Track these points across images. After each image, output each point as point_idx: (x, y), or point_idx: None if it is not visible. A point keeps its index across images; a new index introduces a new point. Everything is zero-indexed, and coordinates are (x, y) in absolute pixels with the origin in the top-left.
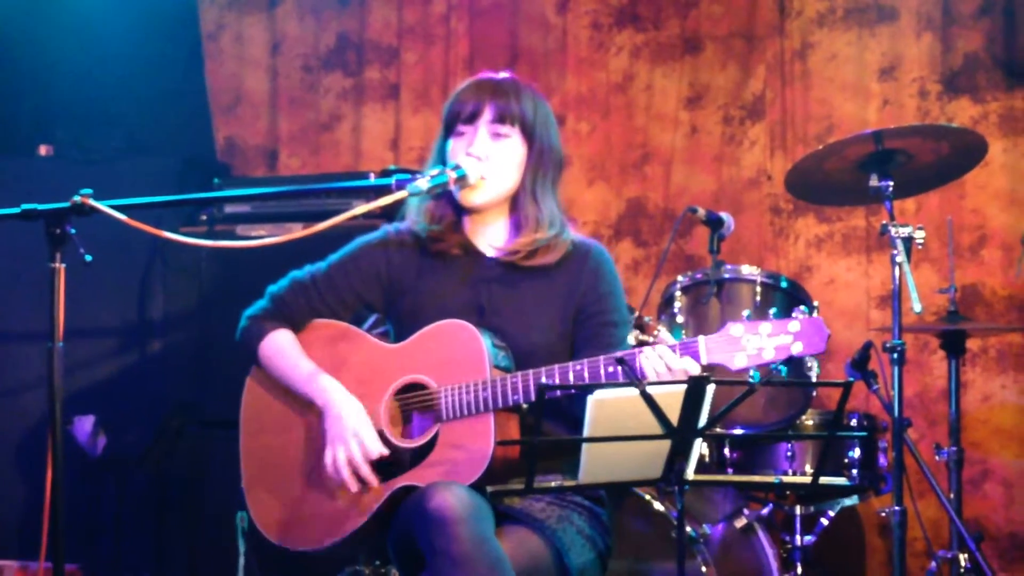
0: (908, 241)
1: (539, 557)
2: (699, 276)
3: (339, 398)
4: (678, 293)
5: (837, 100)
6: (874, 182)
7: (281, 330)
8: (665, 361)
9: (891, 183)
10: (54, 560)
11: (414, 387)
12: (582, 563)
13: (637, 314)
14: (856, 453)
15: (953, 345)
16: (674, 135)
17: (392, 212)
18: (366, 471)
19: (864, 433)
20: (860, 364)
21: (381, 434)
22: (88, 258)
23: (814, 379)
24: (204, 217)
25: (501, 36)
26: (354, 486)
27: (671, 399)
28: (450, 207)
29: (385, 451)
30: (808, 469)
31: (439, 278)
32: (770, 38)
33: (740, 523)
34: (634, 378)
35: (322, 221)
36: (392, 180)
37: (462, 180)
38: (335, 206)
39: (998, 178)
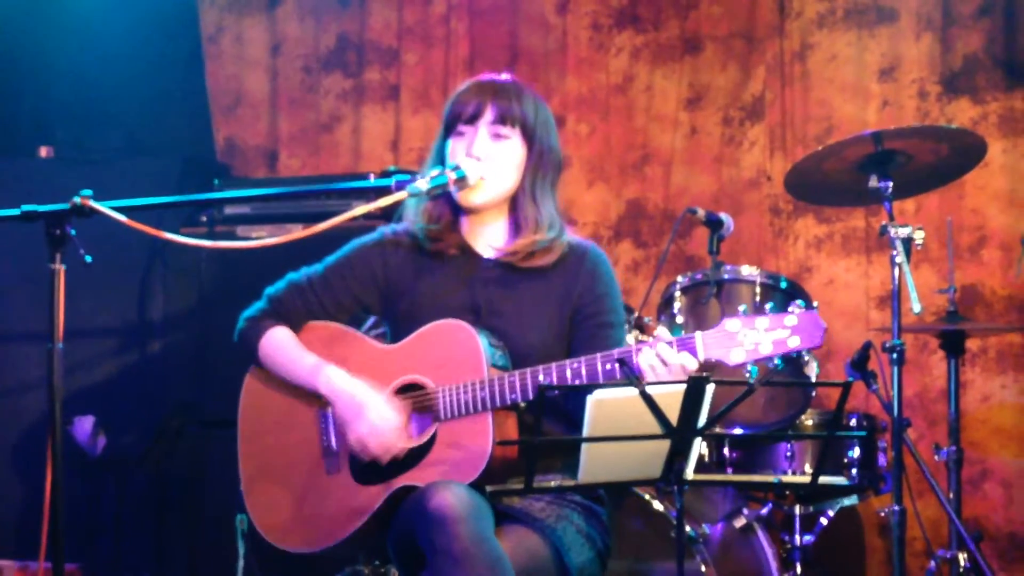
0: (908, 242)
1: (539, 556)
2: (699, 277)
3: (345, 383)
4: (678, 294)
5: (837, 101)
6: (874, 183)
7: (279, 327)
8: (662, 357)
9: (891, 184)
10: (54, 560)
11: (412, 387)
12: (581, 562)
13: (637, 315)
14: (856, 453)
15: (952, 345)
16: (674, 136)
17: (392, 213)
18: (394, 438)
19: (863, 433)
20: (859, 364)
21: None
22: (88, 259)
23: (814, 379)
24: (204, 218)
25: (501, 37)
26: (393, 450)
27: (670, 399)
28: (448, 207)
29: (401, 415)
30: (808, 469)
31: (436, 278)
32: (770, 39)
33: (739, 523)
34: (633, 378)
35: (322, 222)
36: (392, 181)
37: (462, 181)
38: (335, 207)
39: (998, 179)
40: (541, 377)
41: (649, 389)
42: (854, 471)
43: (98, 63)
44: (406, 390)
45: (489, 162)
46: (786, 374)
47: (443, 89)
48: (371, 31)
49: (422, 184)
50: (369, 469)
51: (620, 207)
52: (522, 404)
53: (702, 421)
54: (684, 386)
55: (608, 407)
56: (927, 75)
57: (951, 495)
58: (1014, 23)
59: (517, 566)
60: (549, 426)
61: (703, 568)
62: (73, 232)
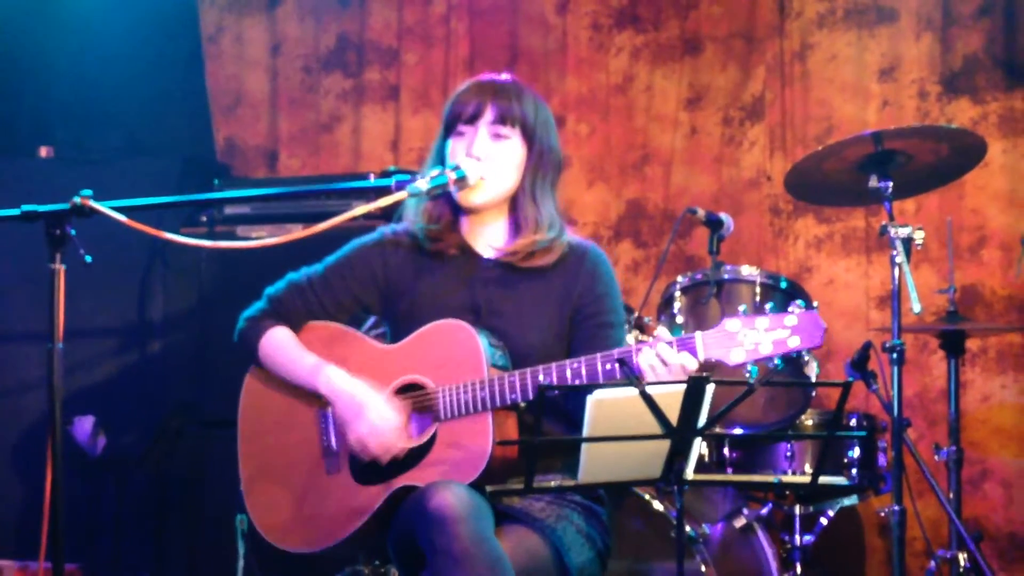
0: (907, 242)
1: (539, 556)
2: (699, 277)
3: (345, 383)
4: (678, 294)
5: (837, 101)
6: (873, 183)
7: (279, 327)
8: (662, 357)
9: (890, 184)
10: (54, 560)
11: (412, 387)
12: (581, 562)
13: (637, 315)
14: (855, 453)
15: (952, 345)
16: (674, 136)
17: (391, 213)
18: (394, 438)
19: (863, 433)
20: (859, 364)
21: None
22: (88, 259)
23: (814, 379)
24: (204, 218)
25: (501, 37)
26: (393, 450)
27: (670, 399)
28: (448, 207)
29: (401, 414)
30: (808, 469)
31: (436, 278)
32: (770, 39)
33: (739, 523)
34: (633, 378)
35: (322, 222)
36: (392, 181)
37: (461, 181)
38: (335, 207)
39: (997, 179)
40: (541, 377)
41: (649, 389)
42: (854, 471)
43: (98, 63)
44: (406, 390)
45: (489, 162)
46: (786, 374)
47: (443, 89)
48: (371, 31)
49: (422, 184)
50: (369, 469)
51: (620, 207)
52: (522, 404)
53: (702, 421)
54: (684, 386)
55: (608, 407)
56: (927, 75)
57: (951, 495)
58: (1014, 23)
59: (517, 566)
60: (549, 426)
61: (703, 568)
62: (73, 232)
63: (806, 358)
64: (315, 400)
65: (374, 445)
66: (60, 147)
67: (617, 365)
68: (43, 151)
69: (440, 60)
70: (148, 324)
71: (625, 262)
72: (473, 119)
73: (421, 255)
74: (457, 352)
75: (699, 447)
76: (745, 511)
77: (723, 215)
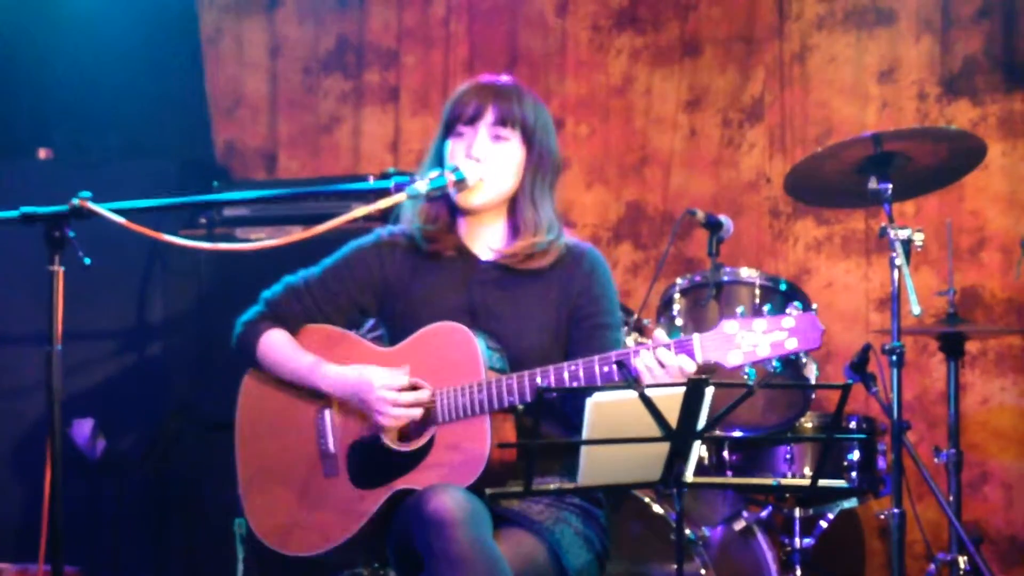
0: (907, 243)
1: (537, 559)
2: (698, 279)
3: (343, 373)
4: (677, 296)
5: (836, 103)
6: (873, 185)
7: (277, 329)
8: (660, 359)
9: (890, 186)
10: (53, 563)
11: (410, 390)
12: (580, 564)
13: (636, 317)
14: (855, 455)
15: (952, 347)
16: (673, 138)
17: (391, 214)
18: (410, 399)
19: (863, 435)
20: (859, 366)
21: (377, 438)
22: (87, 261)
23: (813, 381)
24: (203, 220)
25: (500, 39)
26: (416, 415)
27: (670, 401)
28: (445, 208)
29: (405, 368)
30: (807, 471)
31: (433, 280)
32: (769, 41)
33: (739, 525)
34: (632, 380)
35: (321, 224)
36: (391, 183)
37: (460, 183)
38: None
39: (997, 180)
40: (539, 380)
41: (648, 391)
42: (854, 474)
43: (97, 65)
44: None
45: (489, 163)
46: (785, 376)
47: (443, 91)
48: (370, 33)
49: (421, 186)
50: (367, 472)
51: (619, 209)
52: (520, 407)
53: (701, 424)
54: (683, 388)
55: (607, 409)
56: (926, 77)
57: (951, 498)
58: (1013, 25)
59: (515, 569)
60: (547, 429)
61: (702, 571)
62: (72, 234)
63: (804, 360)
64: (312, 403)
65: (392, 421)
66: (59, 149)
67: (615, 367)
68: (42, 153)
69: (440, 62)
70: (147, 326)
71: (624, 264)
72: (473, 120)
73: (418, 256)
74: (455, 355)
75: (698, 450)
76: (745, 514)
77: (722, 217)
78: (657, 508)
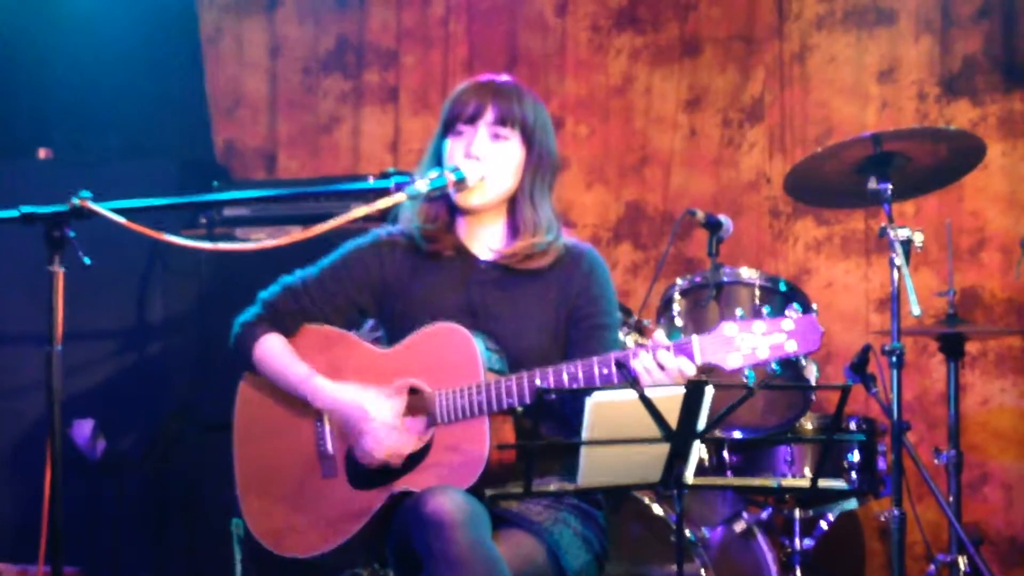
0: (907, 244)
1: (536, 560)
2: (698, 279)
3: (337, 392)
4: (677, 296)
5: (836, 103)
6: (873, 185)
7: (273, 334)
8: (660, 361)
9: (890, 186)
10: (53, 563)
11: (408, 391)
12: (579, 565)
13: (636, 317)
14: (855, 456)
15: (952, 348)
16: (673, 138)
17: (390, 214)
18: (397, 439)
19: (863, 436)
20: (859, 367)
21: None
22: (87, 261)
23: (813, 382)
24: (203, 220)
25: (500, 39)
26: (398, 461)
27: (670, 402)
28: (445, 208)
29: (400, 403)
30: (807, 472)
31: (432, 280)
32: (769, 41)
33: (739, 527)
34: (632, 381)
35: (321, 223)
36: (391, 183)
37: (460, 183)
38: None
39: (997, 181)
40: (538, 381)
41: (648, 392)
42: (854, 475)
43: (97, 65)
44: None
45: (488, 162)
46: (785, 377)
47: (442, 91)
48: (370, 33)
49: (421, 186)
50: (365, 473)
51: (619, 209)
52: (519, 408)
53: (701, 425)
54: (683, 389)
55: (607, 410)
56: (926, 77)
57: (951, 499)
58: (1013, 25)
59: (514, 570)
60: (546, 430)
61: (703, 572)
62: (72, 234)
63: (804, 361)
64: (310, 404)
65: (381, 455)
66: (59, 149)
67: (615, 369)
68: (42, 153)
69: (439, 62)
70: (147, 326)
71: (624, 264)
72: (473, 119)
73: (417, 256)
74: (454, 356)
75: (698, 451)
76: (745, 515)
77: (722, 217)
78: (657, 509)
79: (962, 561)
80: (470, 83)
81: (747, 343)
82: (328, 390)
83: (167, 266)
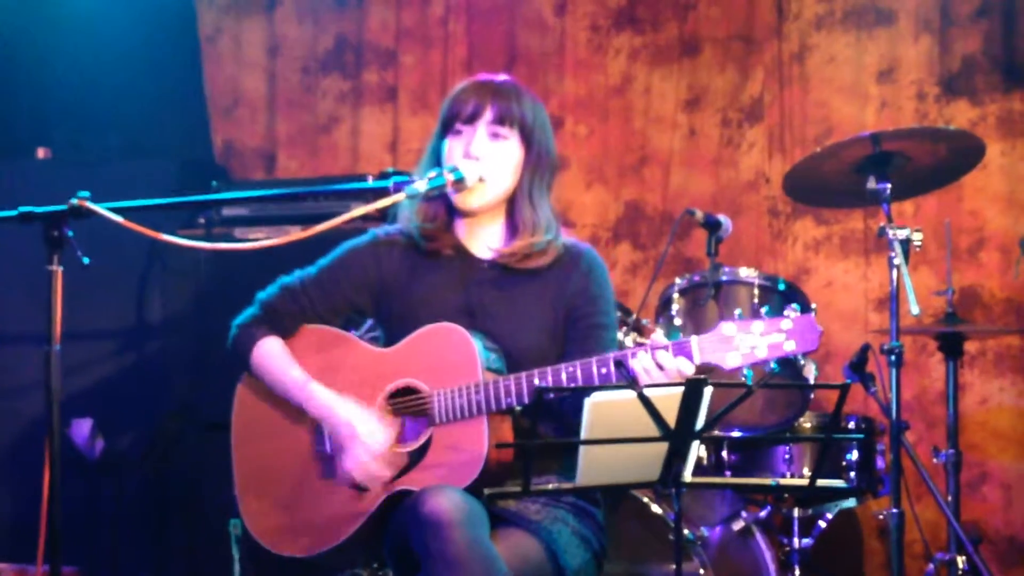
0: (906, 243)
1: (534, 559)
2: (697, 279)
3: (331, 404)
4: (676, 295)
5: (835, 102)
6: (872, 184)
7: (271, 338)
8: (658, 361)
9: (889, 185)
10: (51, 563)
11: (406, 391)
12: (577, 564)
13: (635, 317)
14: (854, 455)
15: (951, 347)
16: (672, 137)
17: (389, 214)
18: (377, 468)
19: (862, 435)
20: (858, 366)
21: None
22: (86, 260)
23: (812, 381)
24: (202, 220)
25: (499, 38)
26: (374, 486)
27: (668, 401)
28: (443, 207)
29: (392, 434)
30: (806, 471)
31: (431, 279)
32: (768, 41)
33: (738, 525)
34: (631, 380)
35: (320, 223)
36: (390, 182)
37: (459, 183)
38: (333, 208)
39: (996, 180)
40: (537, 381)
41: (647, 391)
42: (852, 474)
43: (96, 64)
44: (400, 394)
45: (487, 162)
46: (784, 376)
47: (441, 90)
48: (369, 32)
49: (420, 186)
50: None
51: (618, 209)
52: (517, 408)
53: (700, 424)
54: (682, 388)
55: (606, 409)
56: (925, 76)
57: (949, 498)
58: (1012, 25)
59: (513, 569)
60: (544, 429)
61: (701, 571)
62: (71, 233)
63: (803, 360)
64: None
65: (358, 477)
66: (58, 148)
67: (613, 368)
68: (41, 152)
69: (438, 61)
70: (146, 326)
71: (623, 264)
72: (472, 119)
73: (416, 255)
74: (452, 356)
75: (697, 450)
76: (743, 514)
77: (721, 217)
78: (656, 508)
79: (961, 560)
80: (469, 83)
81: (746, 342)
82: (322, 399)
83: (166, 266)
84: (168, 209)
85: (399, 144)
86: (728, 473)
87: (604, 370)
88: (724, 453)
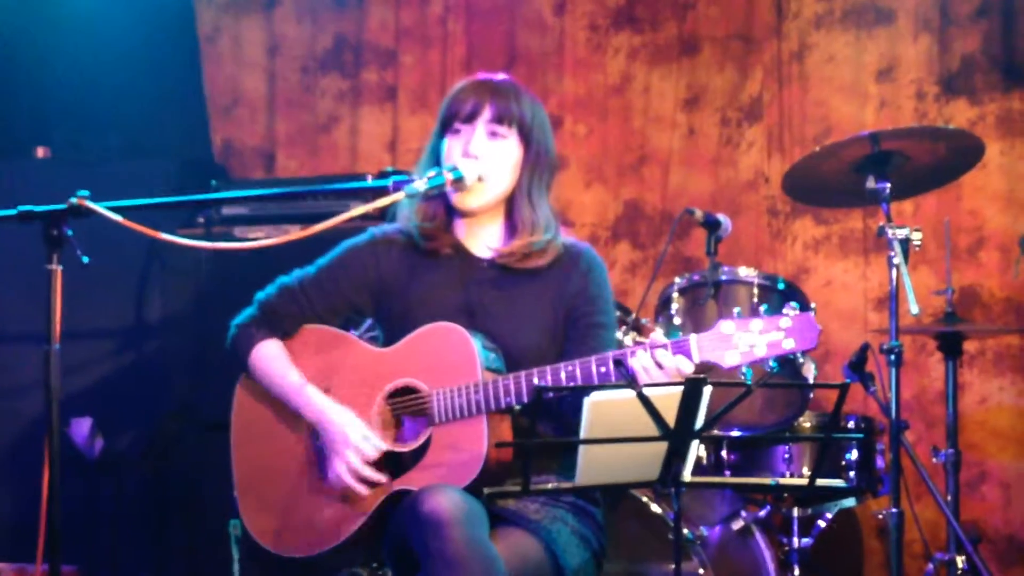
0: (905, 243)
1: (534, 559)
2: (696, 278)
3: (325, 410)
4: (675, 295)
5: (834, 102)
6: (871, 184)
7: (269, 340)
8: (657, 360)
9: (888, 185)
10: (51, 562)
11: (405, 391)
12: (577, 563)
13: (634, 316)
14: (854, 455)
15: (950, 347)
16: (671, 137)
17: (388, 213)
18: (369, 474)
19: (861, 435)
20: (857, 366)
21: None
22: (85, 260)
23: (811, 380)
24: (201, 219)
25: (498, 38)
26: (364, 491)
27: (667, 401)
28: (442, 206)
29: (382, 446)
30: (805, 471)
31: (431, 279)
32: (767, 40)
33: (737, 525)
34: (630, 380)
35: (320, 223)
36: (389, 182)
37: (459, 183)
38: (333, 208)
39: (995, 180)
40: (536, 380)
41: (646, 391)
42: (852, 473)
43: (96, 64)
44: (400, 394)
45: (486, 161)
46: (784, 376)
47: (441, 90)
48: (368, 32)
49: (419, 185)
50: (373, 470)
51: (618, 208)
52: (516, 407)
53: (699, 423)
54: (681, 388)
55: (605, 408)
56: (925, 76)
57: (949, 497)
58: (1012, 24)
59: (512, 568)
60: (544, 428)
61: (700, 571)
62: (70, 233)
63: (802, 359)
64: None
65: (348, 482)
66: (57, 148)
67: (612, 367)
68: (40, 151)
69: (437, 61)
70: (146, 325)
71: (623, 263)
72: (471, 118)
73: (415, 255)
74: (451, 355)
75: (696, 449)
76: (743, 513)
77: (721, 216)
78: (655, 507)
79: (960, 560)
80: (468, 82)
81: (745, 341)
82: (318, 404)
83: (165, 265)
84: (168, 208)
85: (398, 144)
86: (727, 472)
87: (603, 369)
88: (723, 452)
